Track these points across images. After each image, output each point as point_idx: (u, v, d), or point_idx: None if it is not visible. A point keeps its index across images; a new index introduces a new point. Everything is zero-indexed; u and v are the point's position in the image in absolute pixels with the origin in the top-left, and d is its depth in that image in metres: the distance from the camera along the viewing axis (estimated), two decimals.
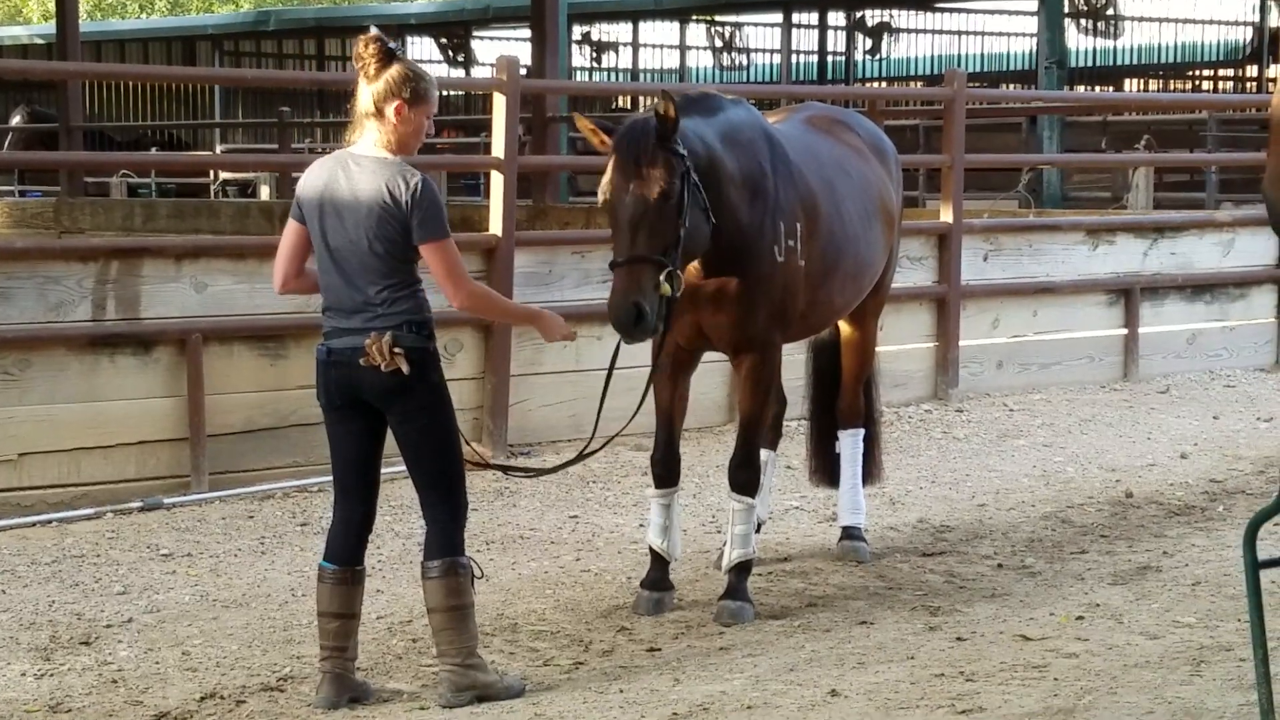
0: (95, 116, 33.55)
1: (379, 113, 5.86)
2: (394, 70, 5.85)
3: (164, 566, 7.94)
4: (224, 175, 23.84)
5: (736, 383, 7.46)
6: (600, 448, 6.90)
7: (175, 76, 35.98)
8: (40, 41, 36.41)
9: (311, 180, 5.96)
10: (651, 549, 7.30)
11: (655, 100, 6.52)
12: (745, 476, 7.21)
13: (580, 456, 6.97)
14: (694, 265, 6.88)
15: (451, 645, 5.97)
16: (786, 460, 8.69)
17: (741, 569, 7.17)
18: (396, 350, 5.79)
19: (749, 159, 6.99)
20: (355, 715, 5.95)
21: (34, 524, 8.63)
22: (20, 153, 24.91)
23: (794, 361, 8.49)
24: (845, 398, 8.25)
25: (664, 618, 7.09)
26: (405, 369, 5.80)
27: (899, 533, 8.63)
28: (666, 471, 7.27)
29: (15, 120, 27.72)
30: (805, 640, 6.74)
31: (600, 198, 6.63)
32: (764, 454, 8.03)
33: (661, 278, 6.43)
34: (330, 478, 6.20)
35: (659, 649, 6.67)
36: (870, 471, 8.39)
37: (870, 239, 7.73)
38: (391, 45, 5.92)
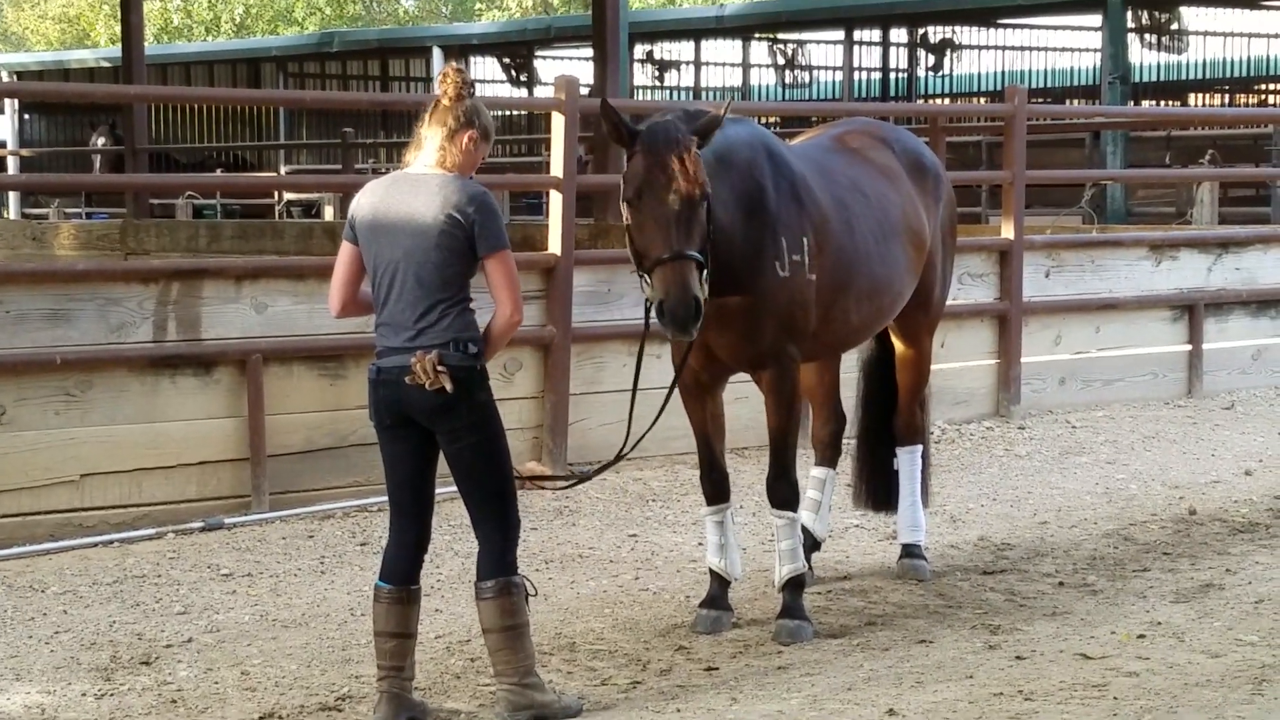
0: (161, 139, 33.81)
1: (451, 135, 5.92)
2: (472, 104, 5.97)
3: (224, 586, 7.99)
4: (288, 196, 23.98)
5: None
6: (617, 460, 6.89)
7: (238, 99, 36.30)
8: (107, 65, 36.70)
9: (365, 200, 6.02)
10: (710, 569, 7.30)
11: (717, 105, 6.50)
12: (783, 491, 7.17)
13: (607, 465, 6.97)
14: None
15: (508, 665, 5.98)
16: (846, 478, 8.65)
17: (795, 585, 7.15)
18: (441, 369, 5.80)
19: (744, 178, 6.90)
20: None
21: (96, 544, 8.70)
22: (85, 175, 25.10)
23: (848, 380, 8.46)
24: (903, 415, 8.22)
25: (722, 636, 7.07)
26: (449, 388, 5.81)
27: (959, 551, 8.59)
28: (714, 489, 7.27)
29: (100, 142, 27.83)
30: (864, 659, 6.71)
31: (630, 193, 6.45)
32: (823, 472, 8.05)
33: (702, 278, 6.39)
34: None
35: (717, 668, 6.65)
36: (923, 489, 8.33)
37: (888, 259, 7.60)
38: (472, 82, 6.04)
